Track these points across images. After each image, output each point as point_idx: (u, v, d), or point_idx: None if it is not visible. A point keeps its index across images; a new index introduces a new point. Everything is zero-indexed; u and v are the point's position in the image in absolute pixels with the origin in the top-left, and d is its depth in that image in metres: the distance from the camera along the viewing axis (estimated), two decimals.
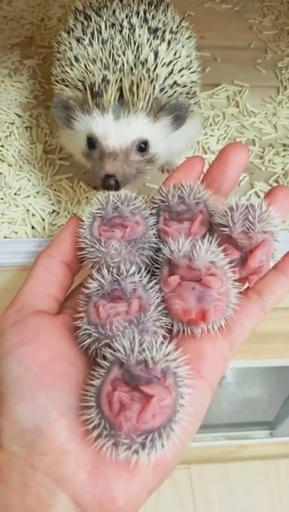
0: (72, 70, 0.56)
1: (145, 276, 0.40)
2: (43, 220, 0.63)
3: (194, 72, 0.60)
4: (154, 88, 0.52)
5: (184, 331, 0.39)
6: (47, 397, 0.35)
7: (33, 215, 0.63)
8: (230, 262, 0.40)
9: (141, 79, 0.51)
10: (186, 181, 0.44)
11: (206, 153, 0.70)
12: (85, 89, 0.53)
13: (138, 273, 0.39)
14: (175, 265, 0.39)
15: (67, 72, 0.56)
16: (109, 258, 0.40)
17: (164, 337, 0.38)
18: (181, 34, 0.60)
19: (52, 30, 0.86)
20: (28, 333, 0.38)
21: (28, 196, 0.65)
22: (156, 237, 0.43)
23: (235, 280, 0.40)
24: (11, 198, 0.64)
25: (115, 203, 0.42)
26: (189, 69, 0.58)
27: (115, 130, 0.50)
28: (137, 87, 0.51)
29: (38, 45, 0.84)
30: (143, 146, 0.52)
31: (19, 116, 0.74)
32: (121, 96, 0.52)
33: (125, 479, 0.34)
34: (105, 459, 0.33)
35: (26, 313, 0.39)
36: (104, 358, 0.35)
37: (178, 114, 0.54)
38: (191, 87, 0.59)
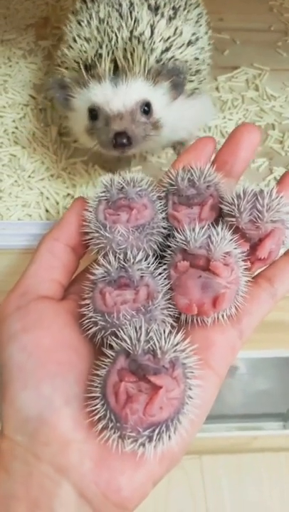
0: (69, 51, 0.54)
1: (153, 263, 0.38)
2: (58, 203, 0.62)
3: (201, 49, 0.57)
4: (148, 57, 0.50)
5: (192, 320, 0.37)
6: (51, 385, 0.34)
7: (47, 198, 0.62)
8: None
9: (134, 48, 0.49)
10: (196, 163, 0.42)
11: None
12: (80, 64, 0.51)
13: (145, 259, 0.38)
14: (192, 255, 0.37)
15: (66, 54, 0.54)
16: (116, 244, 0.38)
17: (172, 326, 0.37)
18: (188, 11, 0.58)
19: (68, 10, 0.85)
20: (31, 319, 0.36)
21: (42, 179, 0.64)
22: (164, 222, 0.40)
23: (245, 268, 0.38)
24: (24, 181, 0.63)
25: (120, 184, 0.40)
26: (193, 46, 0.56)
27: (117, 94, 0.49)
28: (131, 54, 0.49)
29: (53, 26, 0.81)
30: (146, 109, 0.50)
31: (33, 98, 0.72)
32: (116, 69, 0.50)
33: (131, 470, 0.33)
34: (110, 449, 0.32)
35: (29, 298, 0.38)
36: (111, 347, 0.34)
37: (175, 80, 0.52)
38: (197, 65, 0.56)
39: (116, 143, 0.48)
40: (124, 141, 0.48)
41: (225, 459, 0.81)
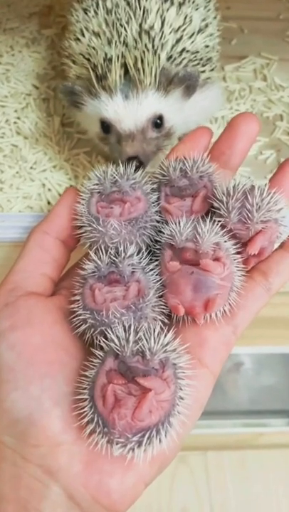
0: (77, 44, 0.50)
1: (145, 258, 0.35)
2: (60, 195, 0.58)
3: (210, 35, 0.53)
4: (159, 59, 0.46)
5: (184, 318, 0.34)
6: (40, 385, 0.32)
7: (49, 189, 0.59)
8: None
9: (144, 52, 0.45)
10: (191, 154, 0.39)
11: None
12: (91, 68, 0.47)
13: (137, 254, 0.35)
14: (180, 249, 0.34)
15: (73, 47, 0.50)
16: (108, 238, 0.35)
17: (164, 323, 0.34)
18: None
19: None
20: (20, 316, 0.34)
21: (45, 170, 0.61)
22: (158, 215, 0.38)
23: (239, 262, 0.36)
24: (26, 172, 0.60)
25: (114, 177, 0.37)
26: (203, 33, 0.52)
27: (128, 111, 0.46)
28: (142, 61, 0.45)
29: (57, 15, 0.77)
30: (158, 122, 0.48)
31: (36, 87, 0.68)
32: (126, 72, 0.46)
33: (121, 472, 0.31)
34: (100, 451, 0.29)
35: (18, 294, 0.35)
36: (101, 346, 0.32)
37: (188, 84, 0.48)
38: (207, 53, 0.52)
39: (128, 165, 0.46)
40: (136, 164, 0.45)
41: (230, 456, 0.78)
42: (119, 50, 0.46)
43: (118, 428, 0.28)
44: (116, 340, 0.30)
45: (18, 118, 0.65)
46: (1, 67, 0.70)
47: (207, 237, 0.33)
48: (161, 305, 0.34)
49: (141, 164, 0.45)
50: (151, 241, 0.37)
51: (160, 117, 0.48)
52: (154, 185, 0.39)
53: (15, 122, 0.65)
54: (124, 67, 0.46)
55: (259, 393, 0.75)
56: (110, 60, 0.46)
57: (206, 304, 0.33)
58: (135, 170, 0.39)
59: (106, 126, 0.48)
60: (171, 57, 0.48)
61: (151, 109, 0.47)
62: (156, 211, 0.38)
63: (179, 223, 0.34)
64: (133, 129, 0.46)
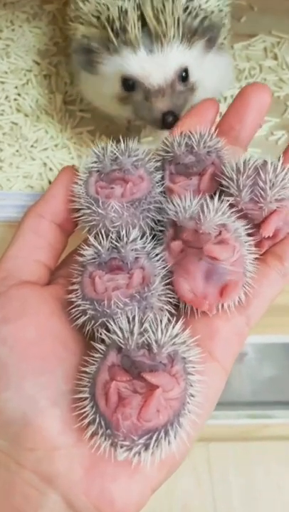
0: (85, 4, 0.47)
1: (149, 242, 0.32)
2: None
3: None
4: (180, 14, 0.44)
5: (192, 308, 0.31)
6: (36, 383, 0.29)
7: (51, 169, 0.57)
8: None
9: (164, 2, 0.43)
10: (197, 128, 0.36)
11: None
12: (102, 26, 0.44)
13: (141, 238, 0.32)
14: (180, 228, 0.31)
15: (81, 8, 0.47)
16: (109, 222, 0.32)
17: (171, 314, 0.31)
18: None
19: None
20: (13, 308, 0.31)
21: (46, 149, 0.59)
22: (163, 196, 0.34)
23: (251, 244, 0.33)
24: (27, 151, 0.58)
25: (114, 154, 0.34)
26: None
27: (155, 65, 0.44)
28: (162, 12, 0.43)
29: None
30: (184, 75, 0.46)
31: (37, 63, 0.66)
32: (144, 24, 0.44)
33: (126, 478, 0.28)
34: (103, 455, 0.26)
35: (11, 284, 0.32)
36: (102, 340, 0.28)
37: (211, 36, 0.46)
38: (221, 18, 0.50)
39: (165, 123, 0.44)
40: (172, 119, 0.43)
41: (233, 447, 0.75)
42: (134, 2, 0.43)
43: (122, 430, 0.25)
44: (119, 333, 0.27)
45: (19, 95, 0.63)
46: (0, 43, 0.67)
47: (211, 217, 0.30)
48: (168, 294, 0.31)
49: (176, 119, 0.43)
50: (156, 224, 0.34)
51: (186, 70, 0.46)
52: (158, 163, 0.36)
53: (15, 99, 0.63)
54: (142, 19, 0.43)
55: (263, 384, 0.73)
56: (126, 12, 0.43)
57: (221, 292, 0.30)
58: (171, 125, 0.36)
59: (130, 84, 0.46)
60: (186, 8, 0.45)
61: (177, 62, 0.45)
62: (161, 191, 0.35)
63: (185, 199, 0.31)
64: (162, 84, 0.44)
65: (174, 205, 0.32)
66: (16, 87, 0.63)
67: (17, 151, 0.58)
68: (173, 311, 0.31)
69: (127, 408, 0.25)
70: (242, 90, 0.39)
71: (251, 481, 0.74)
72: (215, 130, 0.37)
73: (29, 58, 0.66)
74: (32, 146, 0.59)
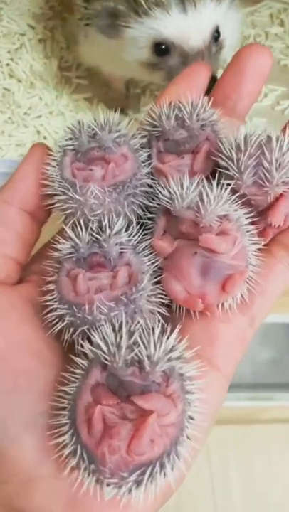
0: None
1: (136, 234, 0.27)
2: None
3: None
4: None
5: (188, 309, 0.27)
6: (4, 404, 0.24)
7: (45, 137, 0.55)
8: None
9: None
10: (188, 97, 0.30)
11: None
12: None
13: (126, 229, 0.27)
14: (176, 218, 0.27)
15: None
16: (88, 210, 0.27)
17: (164, 316, 0.27)
18: None
19: None
20: None
21: (40, 116, 0.57)
22: (150, 179, 0.29)
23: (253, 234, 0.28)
24: (19, 118, 0.56)
25: (92, 129, 0.29)
26: None
27: (192, 26, 0.42)
28: None
29: None
30: (216, 35, 0.44)
31: (32, 27, 0.63)
32: None
33: None
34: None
35: None
36: (84, 353, 0.24)
37: None
38: None
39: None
40: (211, 84, 0.39)
41: (232, 430, 0.73)
42: None
43: (109, 465, 0.21)
44: (103, 346, 0.23)
45: (11, 59, 0.60)
46: None
47: (212, 207, 0.25)
48: (160, 293, 0.26)
49: (214, 81, 0.38)
50: (143, 211, 0.29)
51: (217, 29, 0.44)
52: (144, 140, 0.31)
53: (7, 64, 0.60)
54: None
55: (264, 366, 0.70)
56: None
57: (223, 287, 0.25)
58: (209, 89, 0.33)
59: (163, 48, 0.43)
60: None
61: (211, 21, 0.43)
62: (148, 173, 0.30)
63: (182, 184, 0.26)
64: (201, 46, 0.42)
65: (168, 191, 0.27)
66: (9, 52, 0.61)
67: (9, 118, 0.56)
68: (166, 313, 0.27)
69: (114, 439, 0.21)
70: (238, 53, 0.33)
71: (250, 463, 0.73)
72: (208, 100, 0.32)
73: (23, 22, 0.63)
74: (25, 113, 0.57)
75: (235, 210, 0.27)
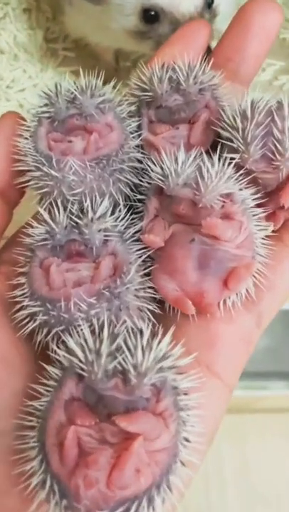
0: None
1: (123, 218, 0.23)
2: None
3: None
4: None
5: None
6: None
7: (28, 111, 0.50)
8: None
9: None
10: (183, 58, 0.26)
11: None
12: None
13: (112, 213, 0.23)
14: (169, 198, 0.22)
15: None
16: (67, 188, 0.23)
17: (155, 315, 0.22)
18: None
19: None
20: None
21: (23, 90, 0.54)
22: (140, 152, 0.25)
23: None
24: (2, 91, 0.54)
25: (71, 93, 0.24)
26: None
27: None
28: None
29: None
30: (209, 1, 0.42)
31: None
32: None
33: None
34: None
35: None
36: (59, 360, 0.20)
37: None
38: None
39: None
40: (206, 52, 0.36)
41: (227, 419, 0.71)
42: None
43: (85, 502, 0.17)
44: (79, 352, 0.19)
45: None
46: None
47: (214, 184, 0.21)
48: (149, 287, 0.22)
49: (209, 51, 0.35)
50: (132, 191, 0.25)
51: None
52: (132, 107, 0.26)
53: None
54: None
55: (258, 354, 0.67)
56: None
57: (225, 283, 0.21)
58: (205, 59, 0.27)
59: (152, 15, 0.41)
60: None
61: None
62: (137, 146, 0.25)
63: (176, 159, 0.22)
64: (193, 12, 0.40)
65: (160, 166, 0.22)
66: None
67: None
68: (157, 310, 0.23)
69: (91, 469, 0.17)
70: (243, 8, 0.29)
71: (245, 454, 0.71)
72: (207, 61, 0.27)
73: None
74: (8, 86, 0.54)
75: (240, 189, 0.23)
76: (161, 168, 0.23)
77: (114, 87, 0.26)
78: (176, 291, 0.22)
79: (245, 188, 0.24)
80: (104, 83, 0.26)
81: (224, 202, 0.22)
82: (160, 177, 0.22)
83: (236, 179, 0.23)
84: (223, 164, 0.23)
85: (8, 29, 0.57)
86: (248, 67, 0.29)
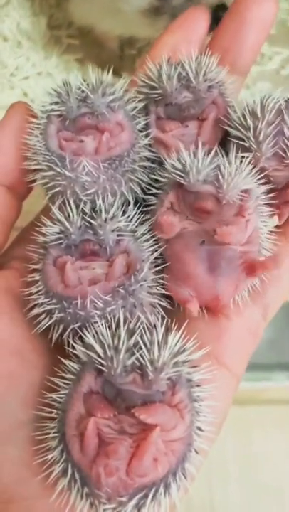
0: None
1: (135, 217, 0.24)
2: None
3: None
4: None
5: None
6: None
7: (32, 100, 0.52)
8: None
9: None
10: (188, 50, 0.26)
11: None
12: None
13: (123, 213, 0.23)
14: (188, 193, 0.23)
15: None
16: (80, 188, 0.24)
17: (165, 310, 0.23)
18: None
19: None
20: None
21: (27, 78, 0.54)
22: (150, 151, 0.26)
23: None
24: (5, 79, 0.53)
25: (82, 91, 0.25)
26: None
27: None
28: None
29: None
30: None
31: None
32: None
33: None
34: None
35: None
36: (75, 355, 0.21)
37: None
38: None
39: (217, 18, 0.33)
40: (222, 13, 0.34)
41: (231, 411, 0.72)
42: None
43: (106, 489, 0.18)
44: (98, 348, 0.19)
45: None
46: None
47: (235, 181, 0.22)
48: (162, 284, 0.23)
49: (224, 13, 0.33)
50: (142, 191, 0.25)
51: None
52: (140, 104, 0.26)
53: None
54: None
55: (261, 346, 0.68)
56: None
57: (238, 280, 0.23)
58: (216, 22, 0.28)
59: None
60: None
61: None
62: (147, 144, 0.26)
63: (194, 155, 0.23)
64: None
65: (181, 163, 0.23)
66: None
67: None
68: (168, 306, 0.24)
69: (111, 458, 0.18)
70: (238, 0, 0.29)
71: (248, 445, 0.71)
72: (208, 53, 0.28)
73: None
74: (11, 74, 0.53)
75: (257, 186, 0.24)
76: (182, 164, 0.23)
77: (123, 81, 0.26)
78: (190, 296, 0.22)
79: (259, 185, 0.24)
80: (109, 71, 0.26)
81: (243, 197, 0.22)
82: (180, 173, 0.23)
83: (252, 176, 0.24)
84: (235, 159, 0.24)
85: (12, 16, 0.56)
86: (245, 58, 0.29)
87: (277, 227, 0.26)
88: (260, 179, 0.23)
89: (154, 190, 0.25)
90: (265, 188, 0.24)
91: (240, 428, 0.72)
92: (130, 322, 0.21)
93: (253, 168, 0.23)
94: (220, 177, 0.22)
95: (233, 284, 0.23)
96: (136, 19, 0.42)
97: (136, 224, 0.23)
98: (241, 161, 0.23)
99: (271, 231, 0.25)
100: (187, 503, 0.66)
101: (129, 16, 0.42)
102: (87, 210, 0.23)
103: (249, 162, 0.23)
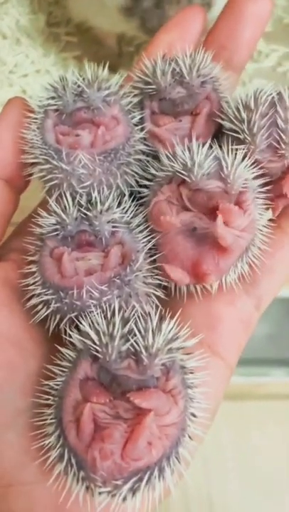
0: None
1: (130, 208, 0.24)
2: None
3: None
4: None
5: (188, 288, 0.24)
6: None
7: (31, 97, 0.52)
8: None
9: None
10: (183, 47, 0.27)
11: None
12: None
13: (119, 204, 0.24)
14: (193, 191, 0.23)
15: None
16: (77, 181, 0.24)
17: (160, 300, 0.24)
18: None
19: None
20: None
21: (26, 75, 0.54)
22: (144, 145, 0.26)
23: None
24: (4, 77, 0.53)
25: (78, 86, 0.25)
26: None
27: None
28: None
29: None
30: None
31: None
32: None
33: None
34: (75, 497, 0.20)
35: None
36: (71, 343, 0.21)
37: None
38: None
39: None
40: None
41: (227, 406, 0.72)
42: None
43: (101, 472, 0.18)
44: (93, 335, 0.20)
45: None
46: None
47: (239, 172, 0.22)
48: (156, 273, 0.24)
49: None
50: (137, 183, 0.26)
51: None
52: (135, 99, 0.27)
53: None
54: None
55: (259, 341, 0.68)
56: None
57: (218, 254, 0.23)
58: None
59: None
60: None
61: None
62: (141, 138, 0.26)
63: (189, 150, 0.23)
64: None
65: (179, 158, 0.23)
66: None
67: None
68: (163, 296, 0.24)
69: (106, 443, 0.18)
70: None
71: (245, 440, 0.72)
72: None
73: None
74: (10, 71, 0.54)
75: (255, 176, 0.24)
76: (183, 162, 0.23)
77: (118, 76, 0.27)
78: (180, 274, 0.23)
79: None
80: (107, 69, 0.26)
81: (246, 186, 0.23)
82: (182, 170, 0.23)
83: (249, 167, 0.24)
84: (231, 151, 0.24)
85: (11, 13, 0.56)
86: (240, 55, 0.30)
87: (270, 220, 0.27)
88: (255, 172, 0.24)
89: (147, 182, 0.25)
90: (260, 181, 0.24)
91: (238, 422, 0.72)
92: (125, 311, 0.21)
93: (248, 160, 0.24)
94: (224, 168, 0.22)
95: (215, 256, 0.23)
96: (117, 15, 0.43)
97: (131, 215, 0.24)
98: (236, 154, 0.23)
99: (268, 223, 0.26)
100: (185, 496, 0.66)
101: (112, 11, 0.43)
102: (83, 202, 0.24)
103: (244, 155, 0.24)
